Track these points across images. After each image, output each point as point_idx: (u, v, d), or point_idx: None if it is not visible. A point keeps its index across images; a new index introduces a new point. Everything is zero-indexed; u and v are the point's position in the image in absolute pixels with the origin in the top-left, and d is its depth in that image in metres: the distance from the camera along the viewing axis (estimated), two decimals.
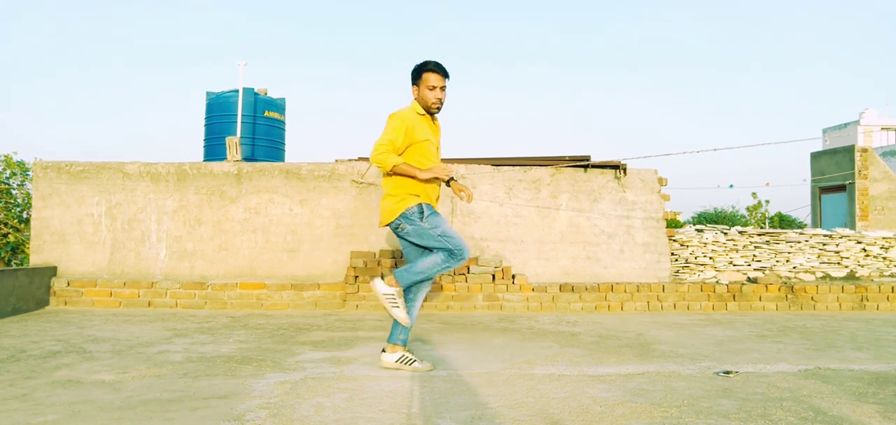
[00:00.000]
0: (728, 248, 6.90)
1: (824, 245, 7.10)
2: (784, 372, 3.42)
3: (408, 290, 3.41)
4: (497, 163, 6.65)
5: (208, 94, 9.63)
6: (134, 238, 6.24)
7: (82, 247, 6.22)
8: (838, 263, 7.05)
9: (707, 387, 3.07)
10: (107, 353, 3.73)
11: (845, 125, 30.23)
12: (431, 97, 3.34)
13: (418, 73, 3.37)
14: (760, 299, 6.22)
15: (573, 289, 6.03)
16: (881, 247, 7.21)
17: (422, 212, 3.32)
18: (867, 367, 3.58)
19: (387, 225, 3.41)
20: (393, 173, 3.30)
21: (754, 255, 6.94)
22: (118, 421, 2.45)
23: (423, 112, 3.40)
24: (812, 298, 6.28)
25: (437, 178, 3.32)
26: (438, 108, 3.40)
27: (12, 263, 7.74)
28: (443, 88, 3.36)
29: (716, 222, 22.21)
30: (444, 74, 3.37)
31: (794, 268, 6.93)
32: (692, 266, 6.73)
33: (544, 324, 5.12)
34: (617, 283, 6.13)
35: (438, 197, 3.50)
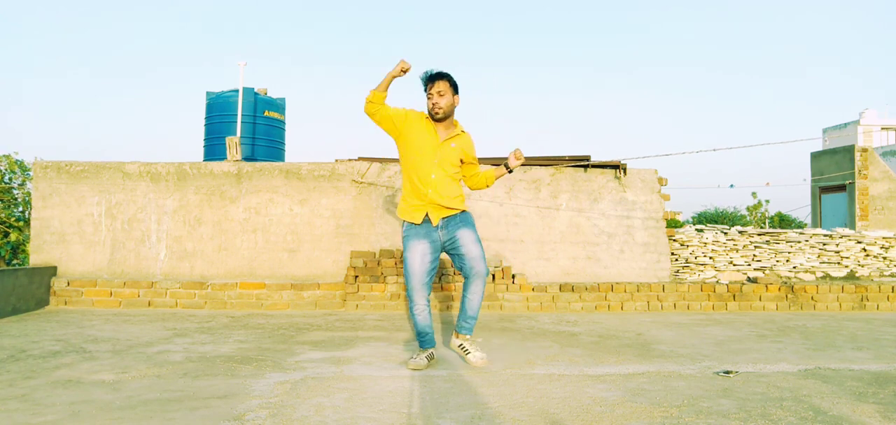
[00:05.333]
0: (728, 248, 6.90)
1: (824, 245, 7.10)
2: (784, 372, 3.42)
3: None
4: (497, 163, 6.65)
5: (208, 94, 9.63)
6: (134, 238, 6.24)
7: (82, 247, 6.22)
8: (838, 263, 7.05)
9: (707, 387, 3.07)
10: (107, 353, 3.73)
11: (845, 125, 30.21)
12: (429, 104, 3.43)
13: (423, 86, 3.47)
14: (760, 299, 6.22)
15: (573, 289, 6.03)
16: (881, 247, 7.21)
17: (403, 226, 3.49)
18: (867, 367, 3.58)
19: None
20: (371, 102, 3.36)
21: (754, 255, 6.94)
22: (118, 421, 2.45)
23: (429, 118, 3.46)
24: (812, 298, 6.28)
25: (392, 78, 3.34)
26: (435, 113, 3.41)
27: (13, 263, 7.74)
28: (437, 93, 3.38)
29: (716, 222, 22.21)
30: (430, 79, 3.41)
31: (794, 267, 6.93)
32: (692, 266, 6.73)
33: (544, 324, 5.12)
34: (617, 283, 6.13)
35: (438, 205, 3.39)
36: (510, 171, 3.57)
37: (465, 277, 3.46)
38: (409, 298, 3.43)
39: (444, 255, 6.25)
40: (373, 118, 3.45)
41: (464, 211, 3.49)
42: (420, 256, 3.40)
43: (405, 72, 3.35)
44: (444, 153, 3.42)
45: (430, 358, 3.50)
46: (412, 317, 3.47)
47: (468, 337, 3.53)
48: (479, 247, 3.42)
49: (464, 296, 3.49)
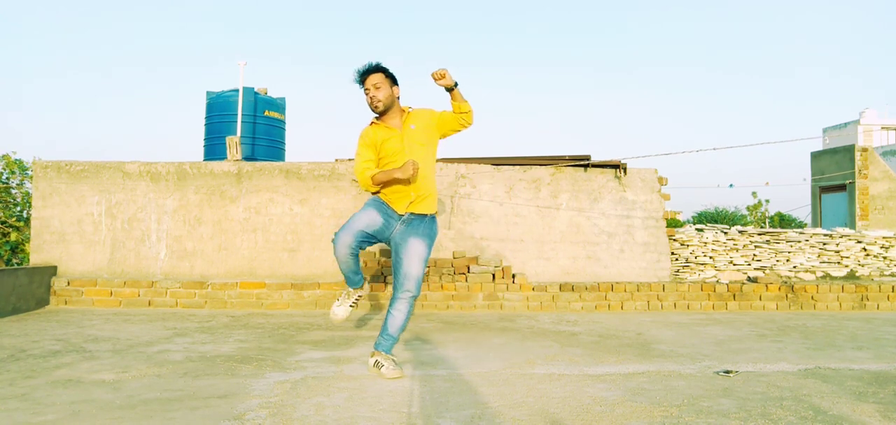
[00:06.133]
0: (728, 248, 6.90)
1: (824, 244, 7.10)
2: (784, 372, 3.42)
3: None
4: (497, 162, 6.65)
5: (208, 93, 9.62)
6: (134, 237, 6.24)
7: (82, 247, 6.22)
8: (838, 263, 7.05)
9: (707, 387, 3.07)
10: (107, 353, 3.73)
11: (845, 125, 30.19)
12: (366, 99, 3.33)
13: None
14: (760, 298, 6.22)
15: (573, 289, 6.03)
16: (881, 247, 7.21)
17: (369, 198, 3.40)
18: (867, 367, 3.58)
19: None
20: (377, 185, 3.28)
21: (754, 255, 6.94)
22: (118, 421, 2.45)
23: (375, 118, 3.37)
24: (812, 298, 6.28)
25: (397, 180, 3.21)
26: (375, 107, 3.30)
27: (12, 262, 7.74)
28: (373, 86, 3.28)
29: (716, 221, 22.21)
30: (363, 75, 3.32)
31: (795, 267, 6.93)
32: (692, 265, 6.73)
33: (544, 324, 5.12)
34: (617, 283, 6.13)
35: (413, 197, 3.28)
36: (450, 89, 3.25)
37: (394, 289, 3.28)
38: (335, 238, 3.25)
39: (448, 255, 6.24)
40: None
41: (433, 215, 3.38)
42: (368, 218, 3.25)
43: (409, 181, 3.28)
44: (409, 138, 3.31)
45: (358, 299, 3.60)
46: (336, 257, 3.29)
47: (383, 353, 3.26)
48: (421, 268, 3.24)
49: (391, 312, 3.27)
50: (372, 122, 3.39)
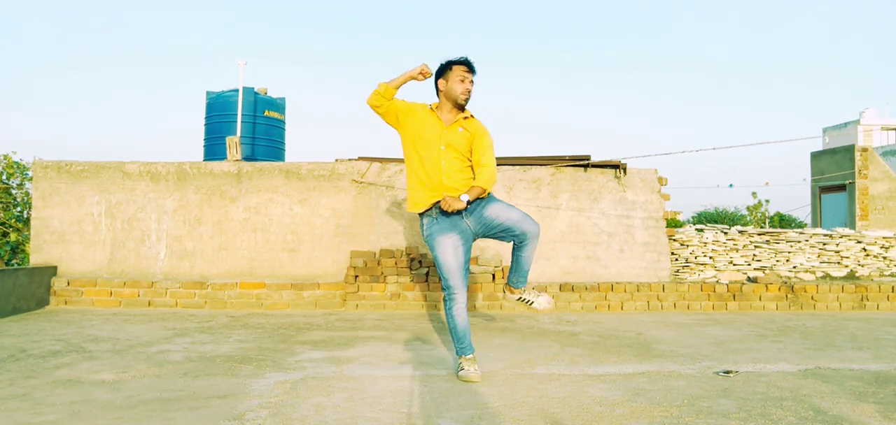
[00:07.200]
0: (728, 248, 6.90)
1: (824, 244, 7.10)
2: (784, 372, 3.42)
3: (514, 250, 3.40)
4: (497, 162, 6.65)
5: (208, 93, 9.62)
6: (134, 237, 6.24)
7: (82, 247, 6.21)
8: (838, 263, 7.05)
9: (707, 387, 3.07)
10: (107, 353, 3.73)
11: (845, 124, 30.18)
12: (460, 89, 3.27)
13: (447, 66, 3.31)
14: (760, 299, 6.22)
15: (573, 289, 6.03)
16: (881, 247, 7.20)
17: (422, 224, 3.33)
18: (867, 367, 3.58)
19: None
20: (381, 94, 3.26)
21: (754, 255, 6.94)
22: (118, 421, 2.45)
23: (434, 110, 3.33)
24: (812, 298, 6.28)
25: (410, 77, 3.25)
26: (466, 99, 3.28)
27: (12, 263, 7.74)
28: (470, 81, 3.30)
29: (716, 222, 22.20)
30: (472, 66, 3.33)
31: (795, 267, 6.93)
32: (692, 265, 6.73)
33: (544, 324, 5.12)
34: (617, 283, 6.13)
35: (459, 191, 3.17)
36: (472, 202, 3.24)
37: (519, 243, 3.27)
38: (448, 297, 3.20)
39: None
40: (377, 110, 3.31)
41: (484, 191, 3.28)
42: (453, 249, 3.18)
43: (425, 76, 3.26)
44: (449, 135, 3.26)
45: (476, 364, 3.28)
46: (450, 318, 3.22)
47: (523, 289, 3.53)
48: (516, 211, 3.25)
49: (519, 255, 3.31)
50: (428, 105, 3.38)
